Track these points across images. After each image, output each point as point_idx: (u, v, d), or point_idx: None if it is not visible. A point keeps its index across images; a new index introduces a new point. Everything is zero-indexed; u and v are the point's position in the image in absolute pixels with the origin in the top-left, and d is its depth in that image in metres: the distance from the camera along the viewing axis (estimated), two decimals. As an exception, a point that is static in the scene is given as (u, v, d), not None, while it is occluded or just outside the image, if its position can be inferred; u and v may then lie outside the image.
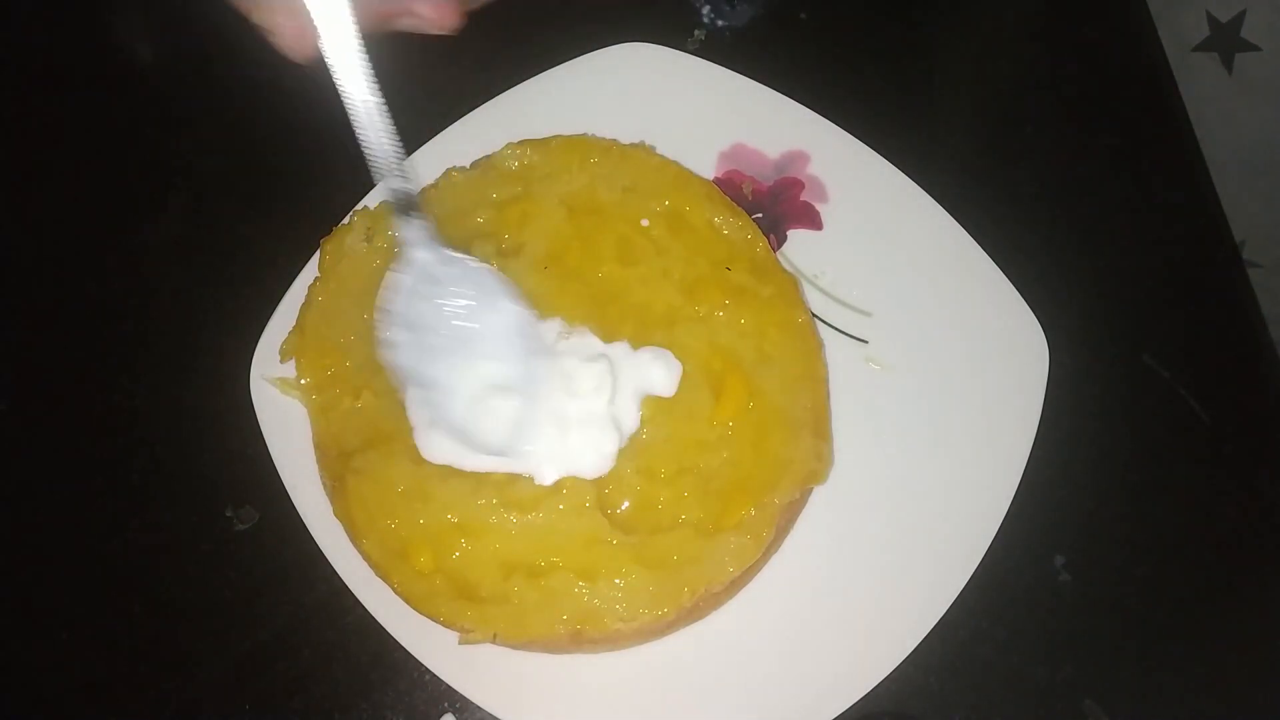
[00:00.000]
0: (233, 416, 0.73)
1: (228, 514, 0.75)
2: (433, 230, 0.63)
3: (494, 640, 0.63)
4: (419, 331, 0.64)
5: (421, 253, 0.63)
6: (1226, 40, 0.96)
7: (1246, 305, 0.83)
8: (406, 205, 0.62)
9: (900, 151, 0.80)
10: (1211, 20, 0.96)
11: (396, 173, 0.60)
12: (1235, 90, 0.98)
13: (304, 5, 0.52)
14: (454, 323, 0.64)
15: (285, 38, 0.55)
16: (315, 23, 0.53)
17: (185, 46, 0.93)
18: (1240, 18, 0.95)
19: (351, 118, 0.57)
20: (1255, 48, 0.95)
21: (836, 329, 0.77)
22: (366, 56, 0.55)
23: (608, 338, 0.69)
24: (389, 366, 0.65)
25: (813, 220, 0.80)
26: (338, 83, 0.55)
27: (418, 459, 0.66)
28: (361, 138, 0.57)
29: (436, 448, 0.66)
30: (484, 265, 0.65)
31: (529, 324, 0.66)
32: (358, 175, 0.77)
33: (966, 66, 0.94)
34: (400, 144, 0.59)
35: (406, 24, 0.59)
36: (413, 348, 0.64)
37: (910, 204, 0.78)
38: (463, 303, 0.64)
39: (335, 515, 0.67)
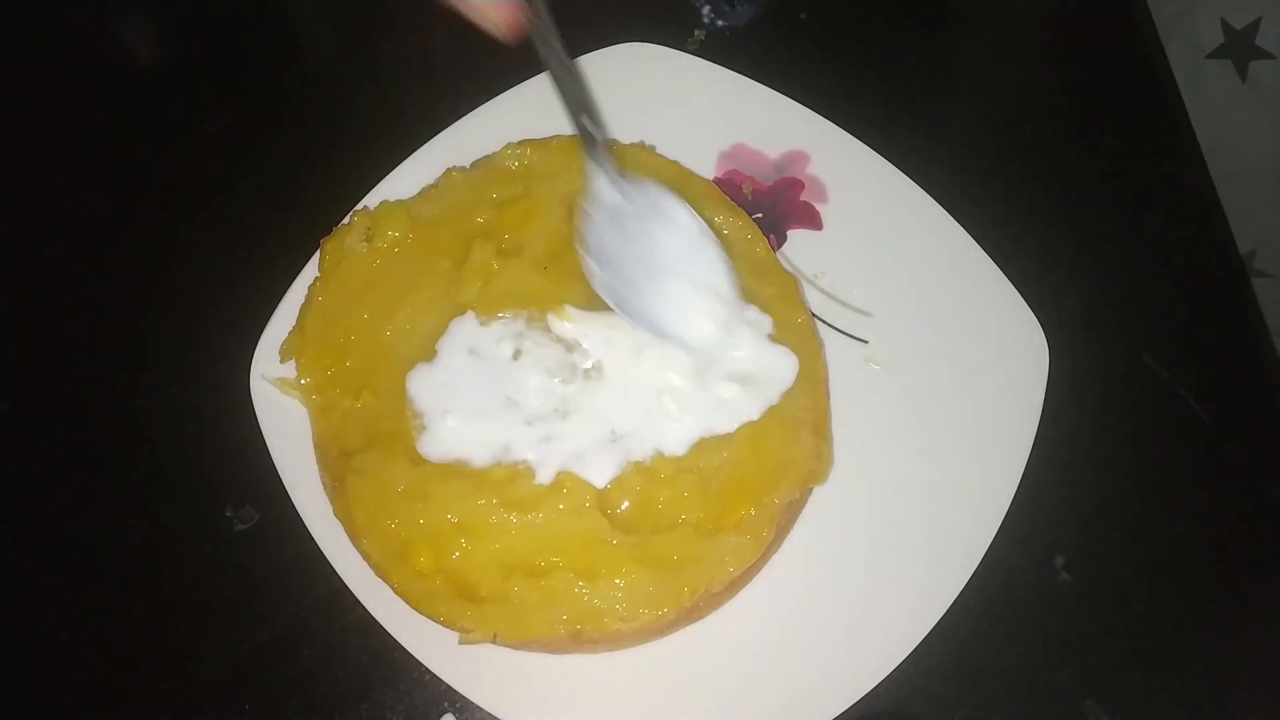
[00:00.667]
0: (233, 416, 0.73)
1: (228, 514, 0.75)
2: (616, 169, 0.67)
3: (494, 640, 0.63)
4: (617, 268, 0.67)
5: (608, 191, 0.67)
6: (1241, 48, 0.96)
7: (1246, 305, 0.83)
8: (596, 148, 0.66)
9: (900, 151, 0.80)
10: (1226, 27, 0.96)
11: (589, 116, 0.65)
12: (1249, 98, 0.97)
13: None
14: (647, 253, 0.67)
15: (496, 21, 0.60)
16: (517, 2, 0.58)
17: (186, 47, 0.94)
18: (1255, 25, 0.94)
19: (553, 78, 0.63)
20: (1269, 55, 0.95)
21: (836, 329, 0.77)
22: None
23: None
24: (600, 292, 0.67)
25: (813, 220, 0.80)
26: (540, 50, 0.61)
27: (417, 459, 0.66)
28: (559, 89, 0.63)
29: (445, 438, 0.66)
30: (664, 190, 0.68)
31: (705, 229, 0.68)
32: (358, 175, 0.78)
33: (967, 66, 0.94)
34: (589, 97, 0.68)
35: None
36: (614, 283, 0.67)
37: (910, 204, 0.78)
38: (648, 228, 0.68)
39: (335, 515, 0.67)
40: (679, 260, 0.68)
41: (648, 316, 0.67)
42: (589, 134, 0.66)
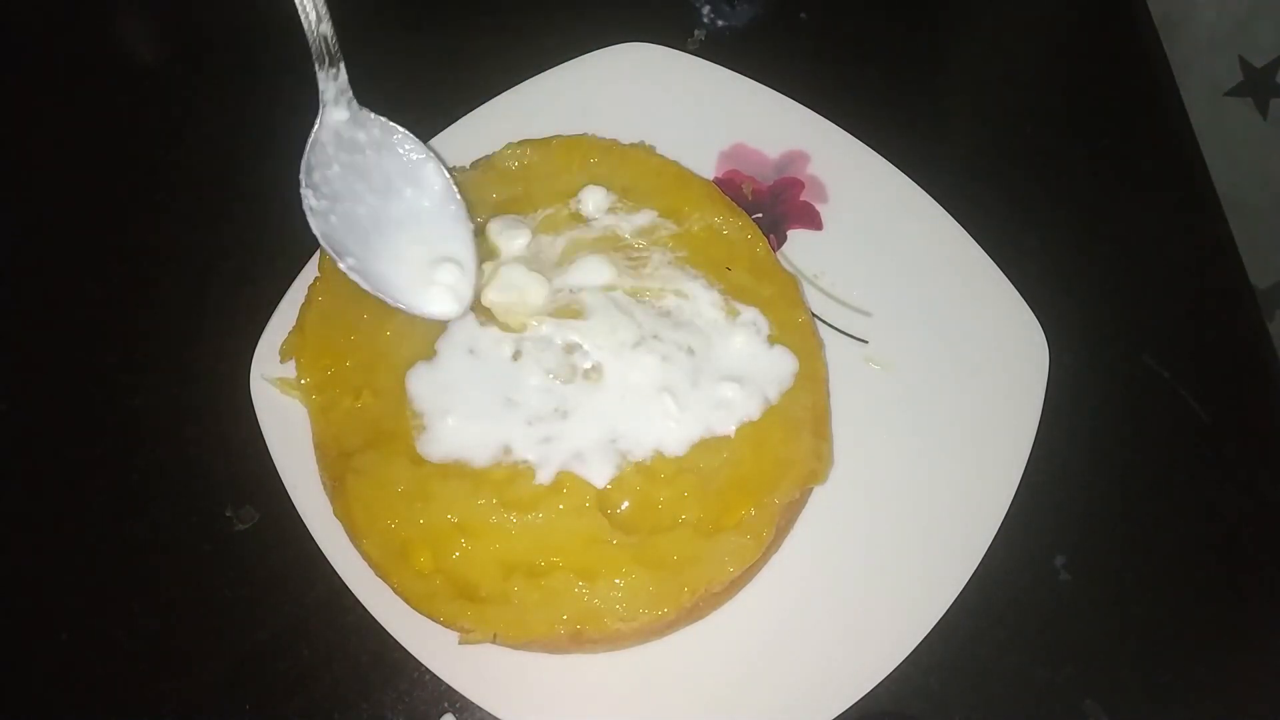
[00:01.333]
0: (233, 416, 0.73)
1: (228, 514, 0.75)
2: (346, 87, 0.59)
3: (494, 640, 0.63)
4: (339, 200, 0.60)
5: (337, 112, 0.59)
6: (1261, 85, 0.95)
7: (1246, 305, 0.83)
8: (325, 55, 0.57)
9: (900, 151, 0.80)
10: (1245, 65, 0.95)
11: (321, 17, 0.56)
12: (1270, 135, 0.96)
13: None
14: (373, 191, 0.60)
15: None
16: None
17: (185, 46, 0.93)
18: (1275, 64, 0.94)
19: None
20: None
21: (836, 329, 0.77)
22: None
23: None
24: (317, 235, 0.61)
25: (813, 220, 0.80)
26: None
27: (417, 459, 0.66)
28: None
29: (445, 438, 0.66)
30: (398, 127, 0.62)
31: (450, 187, 0.62)
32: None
33: (967, 66, 0.94)
34: None
35: None
36: (335, 216, 0.60)
37: (910, 204, 0.78)
38: (382, 169, 0.60)
39: (335, 515, 0.67)
40: (419, 218, 0.61)
41: (374, 273, 0.61)
42: (321, 38, 0.56)
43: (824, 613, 0.69)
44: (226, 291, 0.80)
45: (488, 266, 0.69)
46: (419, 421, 0.67)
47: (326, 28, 0.56)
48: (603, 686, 0.67)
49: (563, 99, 0.81)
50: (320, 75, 0.58)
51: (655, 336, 0.68)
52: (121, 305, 0.82)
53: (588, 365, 0.68)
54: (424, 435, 0.67)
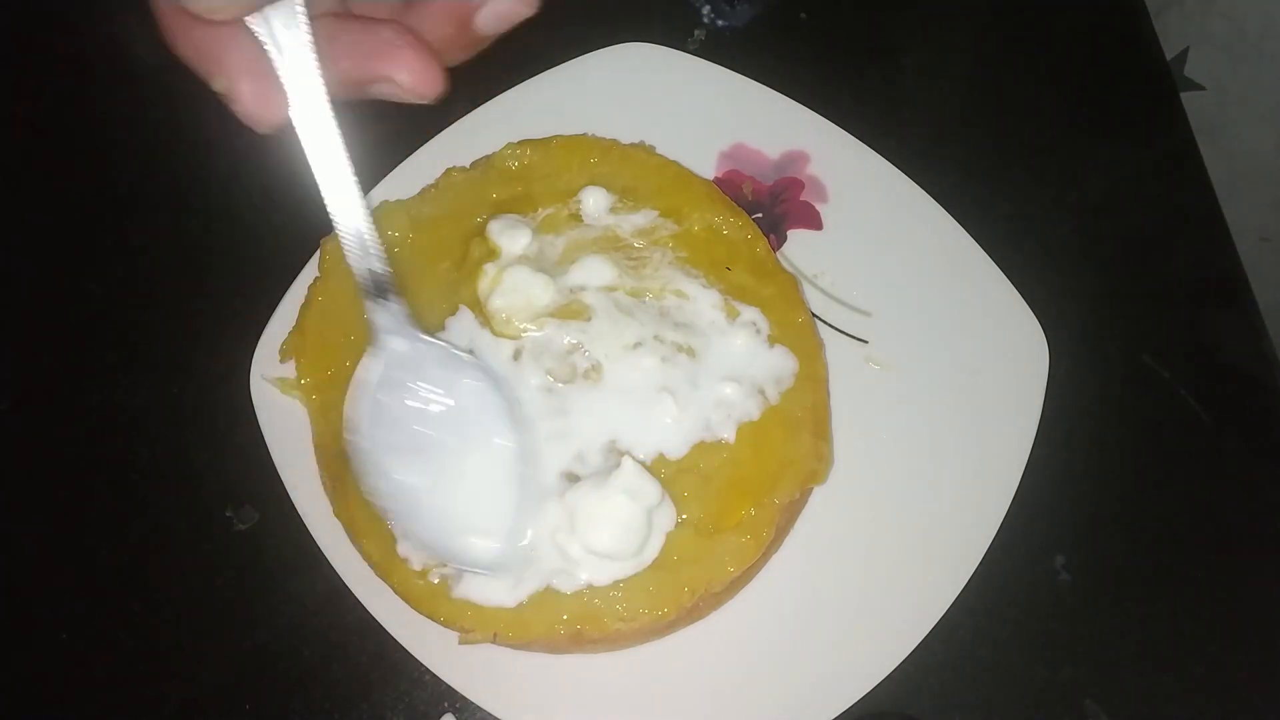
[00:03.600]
0: (233, 416, 0.73)
1: (228, 514, 0.75)
2: (408, 315, 0.56)
3: (494, 640, 0.63)
4: (392, 429, 0.57)
5: (397, 341, 0.56)
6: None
7: (1246, 304, 0.83)
8: (381, 288, 0.54)
9: (900, 151, 0.80)
10: None
11: (371, 252, 0.52)
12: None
13: (270, 69, 0.44)
14: (434, 419, 0.57)
15: (247, 104, 0.45)
16: (282, 89, 0.45)
17: (185, 46, 0.93)
18: (1183, 56, 0.93)
19: (322, 194, 0.51)
20: (1199, 87, 0.93)
21: (836, 329, 0.77)
22: (338, 125, 0.49)
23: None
24: (356, 471, 0.57)
25: (813, 220, 0.80)
26: (307, 155, 0.50)
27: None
28: (333, 216, 0.51)
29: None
30: (465, 353, 0.60)
31: (517, 414, 0.61)
32: (358, 175, 0.78)
33: (968, 67, 0.94)
34: (372, 223, 0.51)
35: (383, 92, 0.48)
36: (386, 449, 0.57)
37: (910, 204, 0.78)
38: (443, 398, 0.57)
39: (335, 515, 0.67)
40: (471, 451, 0.57)
41: (421, 516, 0.57)
42: (377, 274, 0.52)
43: (824, 612, 0.69)
44: (226, 291, 0.80)
45: (490, 268, 0.69)
46: (419, 421, 0.67)
47: (384, 266, 0.52)
48: (603, 686, 0.67)
49: (563, 99, 0.81)
50: (376, 308, 0.54)
51: (656, 337, 0.68)
52: (121, 305, 0.82)
53: (587, 365, 0.68)
54: (424, 435, 0.67)
